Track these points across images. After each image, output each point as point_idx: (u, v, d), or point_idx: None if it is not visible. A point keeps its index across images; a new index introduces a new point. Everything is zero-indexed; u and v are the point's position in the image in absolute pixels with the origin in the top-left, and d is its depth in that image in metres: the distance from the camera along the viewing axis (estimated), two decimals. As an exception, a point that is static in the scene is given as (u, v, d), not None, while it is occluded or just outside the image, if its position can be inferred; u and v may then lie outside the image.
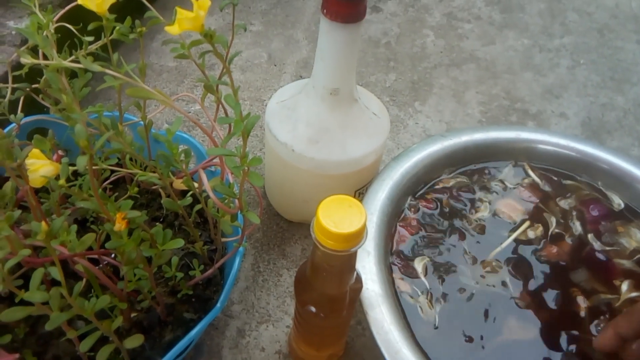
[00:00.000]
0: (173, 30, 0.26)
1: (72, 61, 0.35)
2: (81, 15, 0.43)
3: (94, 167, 0.35)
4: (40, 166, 0.31)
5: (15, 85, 0.48)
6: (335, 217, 0.33)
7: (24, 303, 0.30)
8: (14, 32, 0.60)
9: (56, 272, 0.28)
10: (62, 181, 0.27)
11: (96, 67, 0.30)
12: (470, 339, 0.42)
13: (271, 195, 0.58)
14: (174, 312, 0.43)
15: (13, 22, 0.62)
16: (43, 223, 0.26)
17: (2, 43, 0.59)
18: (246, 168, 0.32)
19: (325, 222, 0.32)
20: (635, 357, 0.38)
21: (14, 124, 0.47)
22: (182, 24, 0.26)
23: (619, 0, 1.03)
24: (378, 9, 0.95)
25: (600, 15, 0.99)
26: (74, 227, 0.32)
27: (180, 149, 0.35)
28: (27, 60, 0.32)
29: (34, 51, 0.47)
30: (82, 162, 0.26)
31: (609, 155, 0.56)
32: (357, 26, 0.44)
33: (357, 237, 0.33)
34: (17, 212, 0.27)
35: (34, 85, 0.49)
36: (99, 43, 0.46)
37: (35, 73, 0.48)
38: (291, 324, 0.49)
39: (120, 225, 0.29)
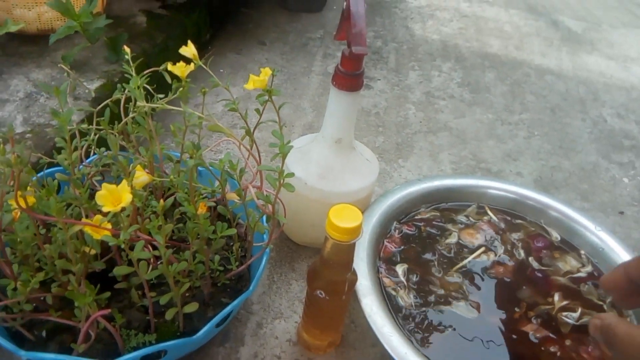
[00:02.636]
0: (249, 86, 0.43)
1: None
2: (155, 79, 0.60)
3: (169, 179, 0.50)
4: (141, 175, 0.47)
5: (97, 127, 0.64)
6: (341, 218, 0.48)
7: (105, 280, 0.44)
8: (87, 91, 0.77)
9: (160, 238, 0.42)
10: (172, 177, 0.42)
11: (189, 109, 0.46)
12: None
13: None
14: (213, 297, 0.56)
15: (86, 82, 0.79)
16: (161, 201, 0.41)
17: (78, 99, 0.76)
18: (282, 180, 0.48)
19: (335, 220, 0.47)
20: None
21: (97, 155, 0.63)
22: (254, 83, 0.43)
23: (568, 86, 1.25)
24: (369, 87, 1.15)
25: (553, 98, 1.20)
26: (161, 217, 0.47)
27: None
28: (142, 103, 0.48)
29: (116, 104, 0.63)
30: (191, 163, 0.41)
31: (547, 199, 0.73)
32: (357, 94, 0.61)
33: (356, 231, 0.48)
34: (145, 192, 0.42)
35: (113, 131, 0.64)
36: (168, 98, 0.62)
37: (110, 120, 0.64)
38: (299, 320, 0.62)
39: (202, 210, 0.44)
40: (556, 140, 1.05)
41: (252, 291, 0.53)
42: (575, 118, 1.13)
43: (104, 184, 0.38)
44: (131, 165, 0.47)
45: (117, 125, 0.61)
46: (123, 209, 0.39)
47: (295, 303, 0.65)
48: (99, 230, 0.43)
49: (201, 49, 1.15)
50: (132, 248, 0.43)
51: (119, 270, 0.43)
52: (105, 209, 0.37)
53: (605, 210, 0.88)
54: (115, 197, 0.38)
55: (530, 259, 0.66)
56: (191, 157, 0.41)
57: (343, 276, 0.52)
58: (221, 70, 1.09)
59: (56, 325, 0.50)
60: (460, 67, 1.27)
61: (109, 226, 0.44)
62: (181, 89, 0.59)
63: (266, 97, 0.48)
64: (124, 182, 0.38)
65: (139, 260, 0.44)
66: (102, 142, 0.67)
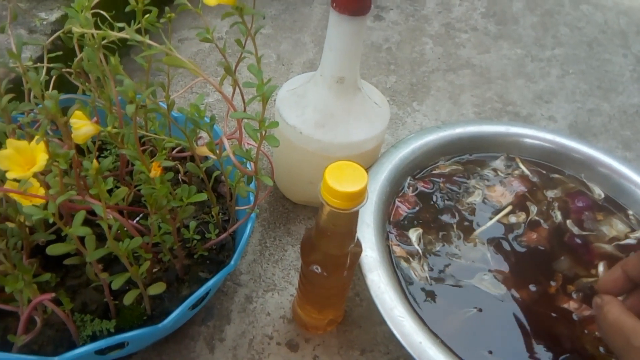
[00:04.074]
0: (210, 2, 0.31)
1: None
2: (113, 5, 0.49)
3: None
4: (82, 125, 0.36)
5: (50, 65, 0.53)
6: (341, 179, 0.37)
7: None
8: (44, 23, 0.65)
9: (100, 209, 0.32)
10: (109, 128, 0.32)
11: (138, 36, 0.35)
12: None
13: (278, 178, 0.63)
14: (190, 272, 0.47)
15: (44, 13, 0.67)
16: (94, 161, 0.30)
17: (34, 32, 0.64)
18: (263, 132, 0.37)
19: (332, 182, 0.37)
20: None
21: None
22: (218, -3, 0.31)
23: (607, 17, 1.09)
24: (381, 18, 1.00)
25: (590, 30, 1.05)
26: (110, 179, 0.37)
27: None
28: (78, 29, 0.36)
29: (68, 36, 0.52)
30: (130, 109, 0.30)
31: (591, 150, 0.61)
32: (362, 19, 0.49)
33: (360, 196, 0.37)
34: (72, 151, 0.32)
35: (65, 70, 0.53)
36: (132, 28, 0.50)
37: (66, 58, 0.53)
38: (295, 293, 0.53)
39: (155, 172, 0.33)
40: (593, 79, 0.92)
41: (235, 266, 0.44)
42: (615, 54, 0.99)
43: (9, 140, 0.28)
44: (69, 109, 0.36)
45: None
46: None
47: (290, 273, 0.56)
48: (27, 197, 0.33)
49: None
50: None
51: (54, 249, 0.34)
52: (10, 175, 0.27)
53: (651, 161, 0.77)
54: (26, 157, 0.28)
55: (569, 222, 0.56)
56: (131, 102, 0.30)
57: (344, 249, 0.42)
58: None
59: (-1, 308, 0.42)
60: (485, -5, 1.12)
61: (41, 192, 0.34)
62: (147, 15, 0.48)
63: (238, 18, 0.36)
64: (36, 137, 0.28)
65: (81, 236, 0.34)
66: (61, 84, 0.56)
